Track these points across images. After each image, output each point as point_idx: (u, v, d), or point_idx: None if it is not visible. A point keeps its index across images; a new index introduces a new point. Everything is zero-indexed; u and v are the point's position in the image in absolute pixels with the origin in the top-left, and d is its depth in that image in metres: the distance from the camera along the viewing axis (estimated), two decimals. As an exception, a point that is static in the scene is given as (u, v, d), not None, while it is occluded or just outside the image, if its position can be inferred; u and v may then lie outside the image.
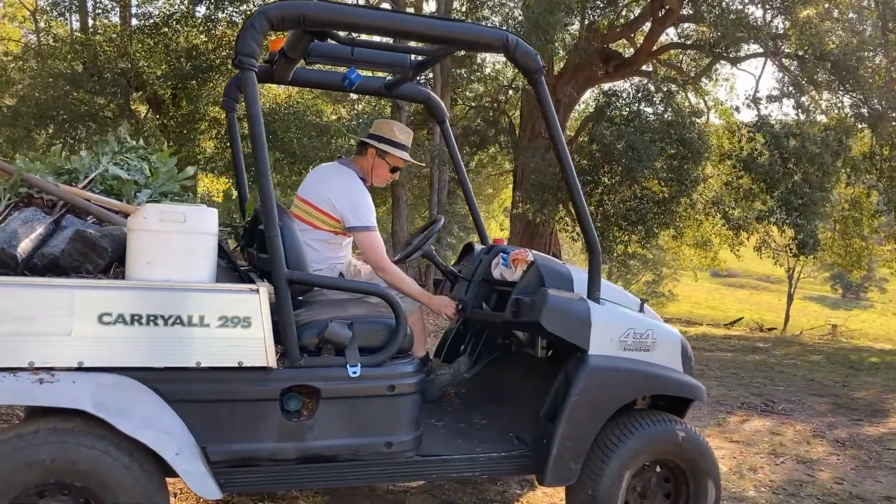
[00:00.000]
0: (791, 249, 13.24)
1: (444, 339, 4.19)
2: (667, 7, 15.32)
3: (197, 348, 2.52)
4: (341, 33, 2.91)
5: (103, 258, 2.59)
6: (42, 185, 2.89)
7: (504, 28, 15.25)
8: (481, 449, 3.00)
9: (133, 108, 13.76)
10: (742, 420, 5.80)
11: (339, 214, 3.37)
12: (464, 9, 16.24)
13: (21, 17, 15.30)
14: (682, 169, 13.06)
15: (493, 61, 18.73)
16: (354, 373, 2.72)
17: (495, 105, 18.12)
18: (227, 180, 13.62)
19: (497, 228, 26.76)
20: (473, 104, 17.73)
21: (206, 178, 15.86)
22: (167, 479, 2.56)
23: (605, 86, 17.60)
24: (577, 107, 18.86)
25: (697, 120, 15.26)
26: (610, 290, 3.28)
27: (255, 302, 2.57)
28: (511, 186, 19.05)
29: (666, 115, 14.26)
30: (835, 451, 5.04)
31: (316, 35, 2.84)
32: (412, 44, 3.36)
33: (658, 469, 3.13)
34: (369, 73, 4.25)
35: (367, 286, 3.08)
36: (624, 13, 17.97)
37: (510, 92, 18.99)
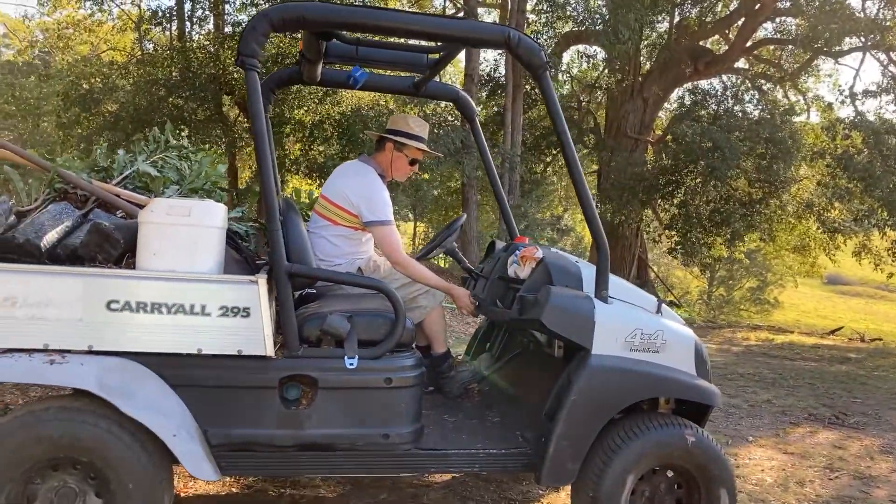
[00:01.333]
0: (893, 253, 12.43)
1: (474, 337, 4.22)
2: (760, 1, 14.71)
3: (198, 336, 2.65)
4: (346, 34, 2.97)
5: (116, 249, 2.76)
6: (75, 181, 3.11)
7: (587, 22, 15.09)
8: (481, 445, 3.00)
9: (224, 111, 14.39)
10: (805, 432, 5.50)
11: (356, 210, 3.45)
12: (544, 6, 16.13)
13: (130, 27, 16.28)
14: (771, 169, 12.51)
15: (578, 62, 18.55)
16: (351, 364, 2.78)
17: (580, 105, 17.89)
18: (310, 181, 14.05)
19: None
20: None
21: (294, 180, 16.42)
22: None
23: (693, 84, 17.08)
24: (666, 105, 18.37)
25: (795, 118, 14.59)
26: (624, 290, 3.20)
27: (253, 293, 2.67)
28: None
29: (756, 113, 13.71)
30: (901, 467, 4.71)
31: (320, 36, 2.92)
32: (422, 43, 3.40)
33: (669, 474, 3.04)
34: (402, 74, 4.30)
35: (365, 280, 3.15)
36: (718, 8, 17.38)
37: (598, 92, 18.75)
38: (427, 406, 3.55)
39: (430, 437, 3.00)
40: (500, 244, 3.87)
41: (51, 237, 2.75)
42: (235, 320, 2.67)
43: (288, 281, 2.76)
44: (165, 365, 2.66)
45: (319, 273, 3.05)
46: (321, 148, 13.66)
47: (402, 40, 3.48)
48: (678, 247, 13.17)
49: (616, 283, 3.24)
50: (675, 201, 13.23)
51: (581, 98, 18.54)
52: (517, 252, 3.28)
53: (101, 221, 2.78)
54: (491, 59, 16.82)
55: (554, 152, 17.49)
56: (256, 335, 2.69)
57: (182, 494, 3.50)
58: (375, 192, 3.47)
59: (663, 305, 3.28)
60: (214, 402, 2.71)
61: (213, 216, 2.75)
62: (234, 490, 3.60)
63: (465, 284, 3.96)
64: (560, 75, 16.67)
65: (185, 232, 2.68)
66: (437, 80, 3.80)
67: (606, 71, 17.33)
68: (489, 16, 20.56)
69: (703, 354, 3.07)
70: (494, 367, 3.76)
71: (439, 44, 3.33)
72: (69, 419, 2.53)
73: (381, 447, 2.84)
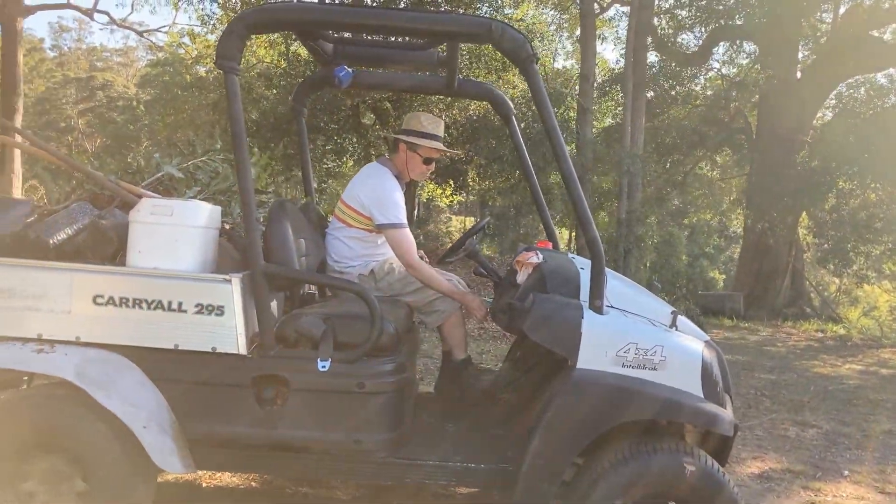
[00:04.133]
0: None
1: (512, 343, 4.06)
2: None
3: (175, 332, 2.73)
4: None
5: (111, 246, 2.91)
6: (101, 181, 3.31)
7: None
8: (459, 458, 2.86)
9: (362, 119, 14.88)
10: (920, 470, 4.78)
11: (368, 212, 3.42)
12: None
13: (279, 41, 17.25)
14: (944, 170, 11.06)
15: (723, 59, 17.46)
16: (323, 367, 2.75)
17: (727, 104, 16.77)
18: (434, 186, 14.21)
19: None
20: (697, 103, 16.55)
21: (429, 186, 16.71)
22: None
23: (863, 77, 15.51)
24: (828, 102, 16.80)
25: None
26: (632, 300, 2.95)
27: (227, 291, 2.71)
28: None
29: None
30: None
31: (303, 36, 2.92)
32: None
33: (672, 505, 2.74)
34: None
35: (340, 281, 3.10)
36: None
37: (750, 90, 17.52)
38: (437, 413, 3.46)
39: (410, 446, 2.90)
40: (521, 248, 3.69)
41: (62, 235, 2.95)
42: (210, 318, 2.73)
43: (264, 280, 2.77)
44: (146, 359, 2.76)
45: (295, 274, 3.03)
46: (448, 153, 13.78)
47: (400, 39, 3.39)
48: (829, 255, 11.95)
49: (625, 292, 3.00)
50: (827, 206, 12.04)
51: (733, 94, 17.36)
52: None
53: (99, 221, 2.94)
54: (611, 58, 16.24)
55: (698, 153, 16.54)
56: (230, 333, 2.73)
57: (204, 485, 3.63)
58: (387, 194, 3.42)
59: (681, 319, 2.98)
60: (191, 397, 2.78)
61: (195, 216, 2.82)
62: (253, 485, 3.69)
63: (495, 289, 3.82)
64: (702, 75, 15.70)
65: (167, 231, 2.77)
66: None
67: (759, 66, 16.15)
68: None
69: (712, 374, 2.73)
70: (516, 376, 3.58)
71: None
72: (51, 406, 2.70)
73: (353, 453, 2.78)
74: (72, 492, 2.74)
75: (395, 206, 3.40)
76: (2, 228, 2.89)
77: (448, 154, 3.82)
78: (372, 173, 3.53)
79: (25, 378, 3.15)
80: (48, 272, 2.73)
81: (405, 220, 3.43)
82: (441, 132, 3.55)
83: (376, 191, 3.43)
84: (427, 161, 3.58)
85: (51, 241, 2.88)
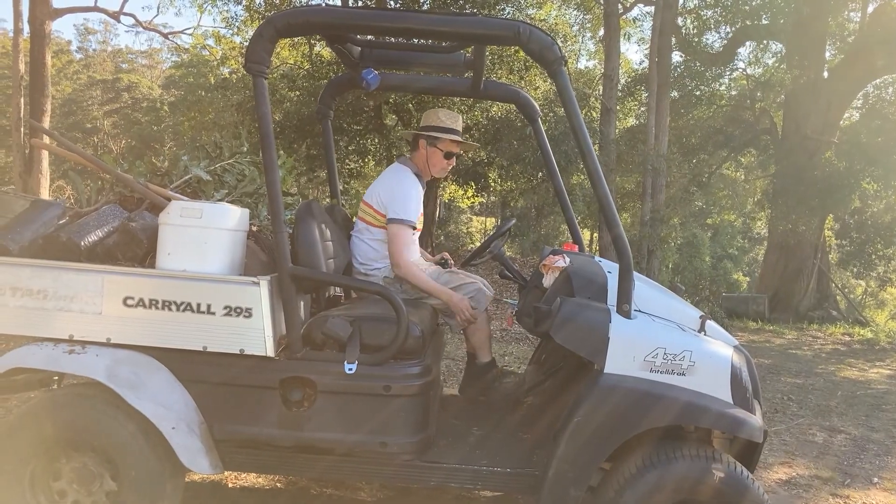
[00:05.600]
0: None
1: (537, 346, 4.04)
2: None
3: (204, 334, 2.75)
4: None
5: (141, 248, 2.94)
6: (131, 184, 3.34)
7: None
8: (486, 462, 2.85)
9: (384, 121, 14.93)
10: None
11: (384, 209, 3.42)
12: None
13: (302, 42, 17.34)
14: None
15: (749, 59, 17.26)
16: (350, 369, 2.75)
17: (753, 104, 16.57)
18: (456, 187, 14.19)
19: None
20: (723, 103, 16.37)
21: (451, 186, 16.71)
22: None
23: (891, 76, 15.26)
24: (855, 102, 16.54)
25: None
26: (660, 304, 2.92)
27: (255, 294, 2.73)
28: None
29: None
30: None
31: (332, 40, 2.93)
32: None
33: (699, 512, 2.71)
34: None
35: (367, 284, 3.10)
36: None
37: (776, 90, 17.32)
38: (462, 416, 3.46)
39: (435, 449, 2.91)
40: (547, 251, 3.67)
41: (92, 237, 2.98)
42: (238, 320, 2.74)
43: (291, 283, 2.79)
44: (175, 360, 2.79)
45: (323, 276, 3.04)
46: (470, 154, 13.77)
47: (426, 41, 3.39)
48: (851, 258, 11.77)
49: (653, 296, 2.97)
50: (850, 208, 11.86)
51: (758, 95, 17.15)
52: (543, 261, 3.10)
53: (129, 223, 2.97)
54: (635, 58, 16.17)
55: (723, 154, 16.36)
56: (258, 335, 2.74)
57: (230, 485, 3.66)
58: (403, 190, 3.43)
59: (710, 323, 2.95)
60: (219, 398, 2.80)
61: (224, 218, 2.84)
62: (278, 485, 3.70)
63: (520, 292, 3.81)
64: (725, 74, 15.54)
65: (195, 233, 2.79)
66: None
67: (785, 66, 15.96)
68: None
69: (741, 380, 2.70)
70: (541, 379, 3.57)
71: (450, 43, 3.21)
72: (81, 405, 2.73)
73: (378, 455, 2.79)
74: (102, 491, 2.78)
75: (406, 201, 3.39)
76: (35, 231, 2.93)
77: (467, 148, 3.77)
78: (392, 172, 3.55)
79: (55, 378, 3.20)
80: (79, 274, 2.76)
81: (412, 217, 3.40)
82: (459, 126, 3.55)
83: (393, 187, 3.43)
84: (448, 156, 3.58)
85: (82, 244, 2.92)
